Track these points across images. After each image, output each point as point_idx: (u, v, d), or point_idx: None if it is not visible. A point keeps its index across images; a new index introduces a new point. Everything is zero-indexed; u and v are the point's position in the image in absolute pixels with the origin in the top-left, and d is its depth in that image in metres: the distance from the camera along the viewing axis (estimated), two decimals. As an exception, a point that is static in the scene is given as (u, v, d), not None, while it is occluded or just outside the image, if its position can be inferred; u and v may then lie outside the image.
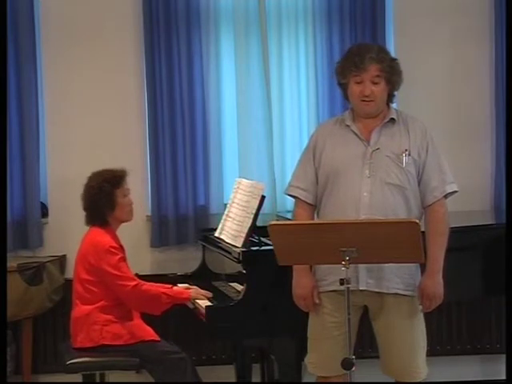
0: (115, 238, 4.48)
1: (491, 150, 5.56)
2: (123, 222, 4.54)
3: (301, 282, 3.77)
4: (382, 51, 3.77)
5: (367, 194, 3.67)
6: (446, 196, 3.75)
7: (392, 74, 3.72)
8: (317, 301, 3.75)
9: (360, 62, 3.66)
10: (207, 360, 5.36)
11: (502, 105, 5.41)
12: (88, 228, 4.52)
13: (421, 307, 3.73)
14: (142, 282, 4.38)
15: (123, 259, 4.40)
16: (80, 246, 4.49)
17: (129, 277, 4.35)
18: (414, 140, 3.73)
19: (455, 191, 3.77)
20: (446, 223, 3.75)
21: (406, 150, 3.70)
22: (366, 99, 3.69)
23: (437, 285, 3.69)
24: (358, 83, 3.69)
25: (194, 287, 4.52)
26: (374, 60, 3.67)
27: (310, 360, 3.83)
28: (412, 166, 3.71)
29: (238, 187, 4.73)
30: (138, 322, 4.47)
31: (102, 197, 4.42)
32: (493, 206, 5.54)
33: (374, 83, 3.68)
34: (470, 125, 5.59)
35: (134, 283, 4.33)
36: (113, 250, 4.36)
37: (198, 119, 5.39)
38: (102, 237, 4.40)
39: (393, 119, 3.76)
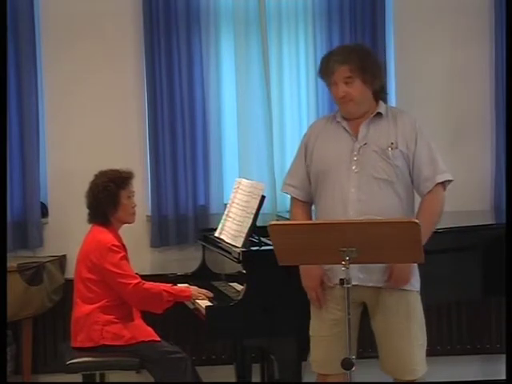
0: (117, 236, 4.48)
1: (491, 149, 5.56)
2: (125, 223, 4.54)
3: (309, 273, 3.75)
4: (353, 51, 3.75)
5: (354, 190, 3.68)
6: (443, 186, 3.73)
7: (365, 71, 3.71)
8: (330, 283, 3.71)
9: (325, 67, 3.75)
10: (207, 360, 5.36)
11: (502, 104, 5.41)
12: (89, 228, 4.52)
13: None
14: (144, 281, 4.39)
15: (125, 257, 4.40)
16: (82, 244, 4.49)
17: (130, 275, 4.35)
18: (401, 132, 3.73)
19: (449, 180, 3.74)
20: (435, 216, 3.70)
21: (393, 144, 3.70)
22: (342, 100, 3.73)
23: (406, 272, 3.64)
24: (334, 85, 3.74)
25: (194, 287, 4.53)
26: (338, 62, 3.70)
27: (312, 358, 3.84)
28: (400, 159, 3.70)
29: (237, 187, 4.73)
30: (138, 322, 4.48)
31: (106, 196, 4.43)
32: (493, 206, 5.54)
33: (347, 83, 3.70)
34: (470, 124, 5.59)
35: (135, 281, 4.33)
36: (115, 248, 4.36)
37: (198, 119, 5.39)
38: (104, 235, 4.41)
39: (380, 113, 3.77)
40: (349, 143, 3.75)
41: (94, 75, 5.40)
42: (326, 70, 3.76)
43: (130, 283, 4.32)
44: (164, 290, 4.36)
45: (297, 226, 3.53)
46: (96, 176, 4.51)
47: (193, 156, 5.39)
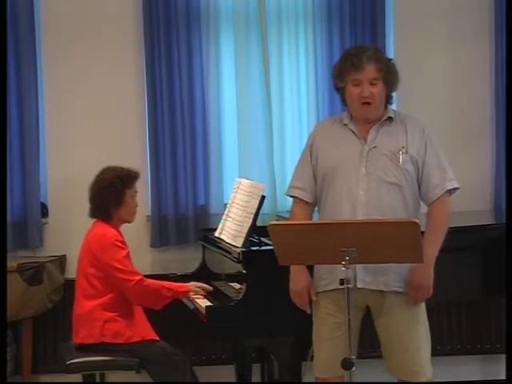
0: (119, 232, 4.48)
1: (491, 150, 5.56)
2: (125, 222, 4.55)
3: (296, 279, 3.76)
4: (379, 51, 3.78)
5: (363, 193, 3.67)
6: (449, 193, 3.75)
7: (389, 74, 3.72)
8: (314, 298, 3.75)
9: (358, 62, 3.65)
10: (207, 360, 5.36)
11: (502, 105, 5.41)
12: (88, 226, 4.52)
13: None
14: (145, 278, 4.40)
15: (127, 254, 4.40)
16: (84, 239, 4.48)
17: (132, 271, 4.36)
18: (411, 138, 3.73)
19: (456, 188, 3.77)
20: (445, 222, 3.74)
21: (403, 148, 3.70)
22: (366, 100, 3.68)
23: (425, 277, 3.67)
24: (357, 85, 3.68)
25: (193, 282, 4.54)
26: (372, 59, 3.66)
27: (315, 362, 3.81)
28: (409, 164, 3.71)
29: (238, 187, 4.73)
30: (139, 318, 4.45)
31: (112, 192, 4.42)
32: (493, 206, 5.54)
33: (372, 84, 3.67)
34: (470, 125, 5.59)
35: (137, 278, 4.33)
36: (118, 243, 4.37)
37: (198, 119, 5.40)
38: (107, 230, 4.42)
39: (390, 118, 3.76)
40: (357, 146, 3.73)
41: (94, 75, 5.40)
42: (357, 65, 3.63)
43: (133, 280, 4.32)
44: (163, 286, 4.38)
45: (297, 225, 3.53)
46: (103, 171, 4.51)
47: (193, 156, 5.39)
